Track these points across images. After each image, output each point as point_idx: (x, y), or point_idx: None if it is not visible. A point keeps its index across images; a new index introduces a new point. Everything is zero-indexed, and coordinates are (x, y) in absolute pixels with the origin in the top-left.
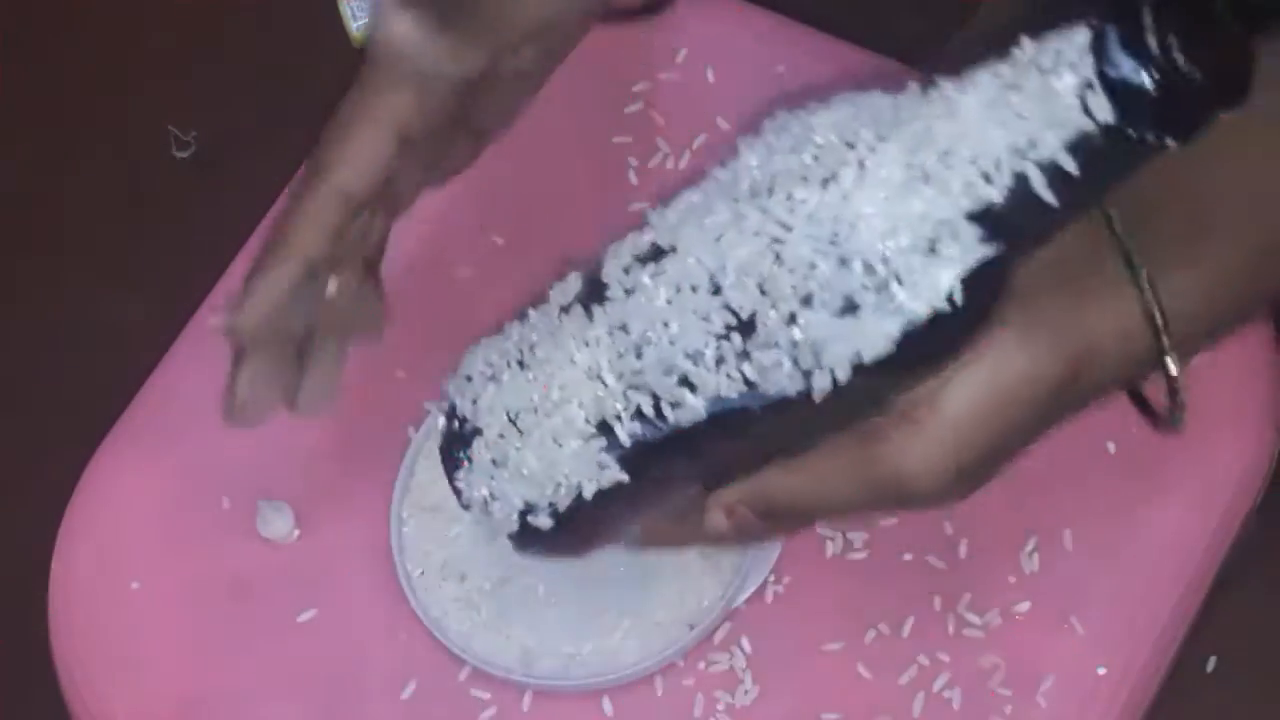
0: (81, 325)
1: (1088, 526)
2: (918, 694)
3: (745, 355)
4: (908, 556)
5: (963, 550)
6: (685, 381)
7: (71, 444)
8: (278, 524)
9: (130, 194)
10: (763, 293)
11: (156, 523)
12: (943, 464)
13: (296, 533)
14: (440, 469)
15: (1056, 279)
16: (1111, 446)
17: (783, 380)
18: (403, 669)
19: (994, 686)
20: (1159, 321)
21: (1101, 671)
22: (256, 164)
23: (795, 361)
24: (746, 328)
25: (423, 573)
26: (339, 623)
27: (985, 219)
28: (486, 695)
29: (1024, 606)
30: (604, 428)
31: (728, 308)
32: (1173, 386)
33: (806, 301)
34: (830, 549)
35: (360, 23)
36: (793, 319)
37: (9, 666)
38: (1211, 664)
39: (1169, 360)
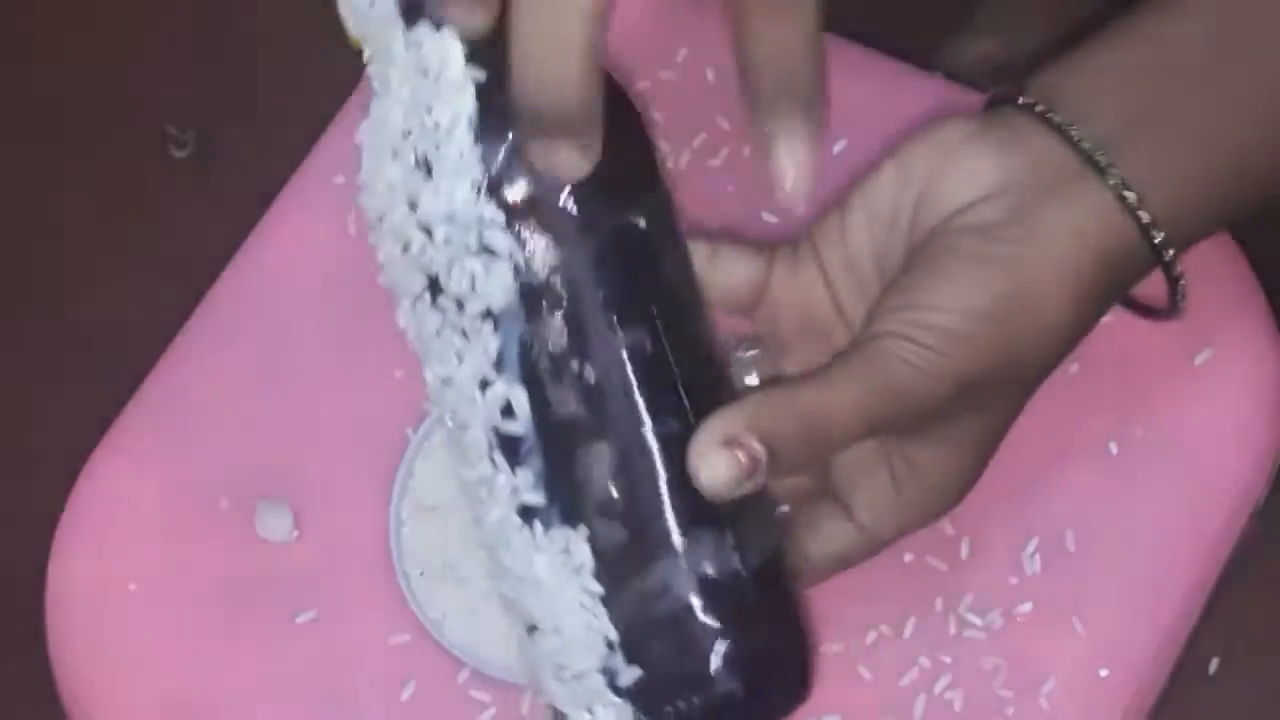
0: (78, 325)
1: (1090, 527)
2: (919, 695)
3: None
4: (909, 557)
5: (964, 551)
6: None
7: (69, 444)
8: (276, 524)
9: (128, 193)
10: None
11: (154, 523)
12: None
13: (295, 533)
14: (440, 470)
15: (1009, 211)
16: (1114, 447)
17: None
18: (402, 670)
19: (996, 688)
20: (1130, 201)
21: (1104, 673)
22: (255, 164)
23: None
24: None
25: (422, 574)
26: (338, 624)
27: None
28: (486, 697)
29: (1026, 607)
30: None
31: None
32: (1167, 268)
33: None
34: None
35: None
36: None
37: (6, 667)
38: (1214, 666)
39: (1153, 234)
